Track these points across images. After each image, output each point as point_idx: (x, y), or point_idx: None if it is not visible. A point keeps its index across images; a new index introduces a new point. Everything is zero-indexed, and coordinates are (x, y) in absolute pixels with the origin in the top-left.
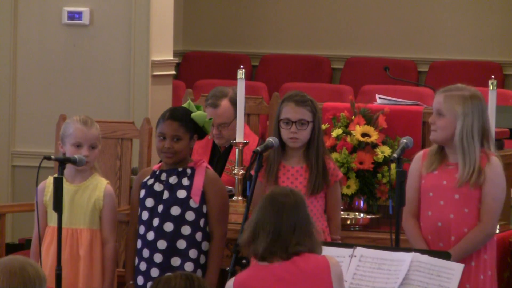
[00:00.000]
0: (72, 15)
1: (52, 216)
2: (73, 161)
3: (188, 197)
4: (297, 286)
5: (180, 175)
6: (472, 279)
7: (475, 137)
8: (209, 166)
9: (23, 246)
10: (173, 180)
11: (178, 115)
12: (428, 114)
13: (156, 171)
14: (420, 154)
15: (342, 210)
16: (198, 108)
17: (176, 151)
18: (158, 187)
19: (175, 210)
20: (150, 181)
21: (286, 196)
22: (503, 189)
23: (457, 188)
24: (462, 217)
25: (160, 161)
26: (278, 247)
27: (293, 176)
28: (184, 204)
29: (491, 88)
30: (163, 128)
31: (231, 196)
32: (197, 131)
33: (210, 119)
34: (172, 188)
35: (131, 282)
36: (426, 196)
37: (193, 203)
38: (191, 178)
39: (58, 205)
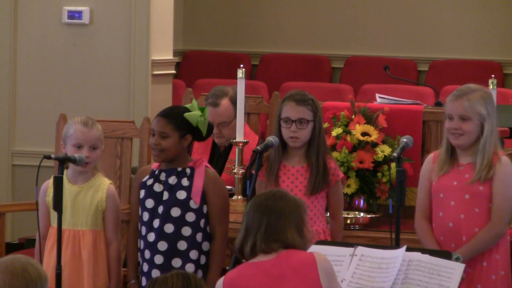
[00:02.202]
0: (72, 15)
1: (55, 217)
2: (73, 160)
3: (188, 198)
4: (285, 280)
5: (180, 175)
6: (484, 280)
7: (494, 135)
8: (208, 165)
9: (23, 245)
10: (172, 180)
11: (169, 113)
12: (428, 114)
13: (155, 170)
14: (430, 156)
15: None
16: (202, 110)
17: (163, 148)
18: (158, 187)
19: (175, 212)
20: (150, 181)
21: (280, 199)
22: None
23: (468, 187)
24: (473, 217)
25: None
26: (269, 246)
27: (294, 176)
28: (184, 205)
29: (491, 87)
30: (153, 125)
31: (231, 195)
32: (192, 131)
33: (205, 119)
34: (172, 189)
35: (133, 281)
36: (437, 197)
37: (193, 204)
38: (190, 178)
39: (58, 204)
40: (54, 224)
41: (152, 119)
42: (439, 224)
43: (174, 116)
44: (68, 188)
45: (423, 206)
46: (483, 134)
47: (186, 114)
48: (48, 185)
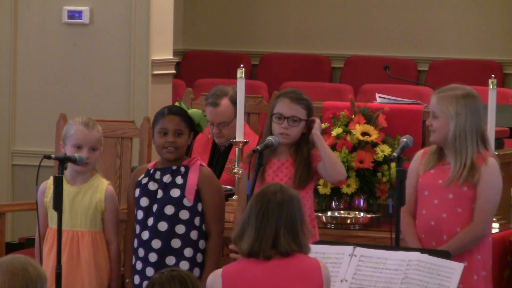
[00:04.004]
0: (72, 14)
1: (53, 218)
2: (73, 160)
3: (182, 196)
4: (289, 281)
5: (174, 174)
6: (465, 279)
7: (468, 137)
8: (203, 163)
9: (23, 245)
10: (167, 179)
11: (178, 111)
12: (428, 114)
13: (151, 169)
14: (420, 152)
15: (342, 209)
16: (188, 109)
17: (179, 145)
18: (152, 186)
19: (169, 209)
20: (145, 180)
21: (273, 194)
22: (497, 191)
23: (451, 186)
24: (455, 216)
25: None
26: (260, 243)
27: (279, 169)
28: (178, 203)
29: (491, 87)
30: (165, 123)
31: (231, 195)
32: (193, 128)
33: (205, 116)
34: (166, 187)
35: (127, 281)
36: (422, 194)
37: (187, 202)
38: (185, 176)
39: (58, 204)
40: (52, 225)
41: (152, 119)
42: (421, 221)
43: (183, 113)
44: (67, 189)
45: (409, 202)
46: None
47: (190, 112)
48: (46, 186)
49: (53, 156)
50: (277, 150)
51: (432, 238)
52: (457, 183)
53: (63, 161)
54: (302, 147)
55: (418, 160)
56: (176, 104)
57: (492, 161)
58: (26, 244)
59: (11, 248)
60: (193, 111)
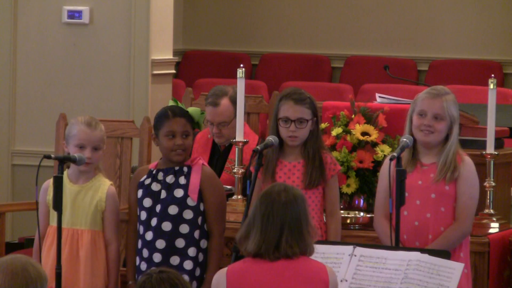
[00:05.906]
0: (72, 14)
1: (54, 216)
2: (73, 160)
3: (186, 195)
4: (295, 284)
5: (177, 174)
6: None
7: (457, 138)
8: (205, 163)
9: (23, 245)
10: (170, 179)
11: (181, 112)
12: None
13: (153, 170)
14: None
15: (342, 209)
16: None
17: (187, 147)
18: (155, 186)
19: (173, 210)
20: (147, 181)
21: (278, 195)
22: (477, 188)
23: (434, 186)
24: (439, 216)
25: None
26: (266, 245)
27: (290, 171)
28: (182, 203)
29: (491, 87)
30: (172, 126)
31: (231, 195)
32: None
33: (202, 113)
34: (170, 188)
35: (130, 282)
36: None
37: (191, 201)
38: (188, 176)
39: (57, 204)
40: (53, 223)
41: (152, 118)
42: (403, 223)
43: (187, 114)
44: (69, 187)
45: (384, 205)
46: (451, 136)
47: (190, 110)
48: (49, 184)
49: (53, 156)
50: (286, 151)
51: (416, 238)
52: (442, 182)
53: (63, 161)
54: (308, 146)
55: (392, 164)
56: (171, 102)
57: (468, 159)
58: (26, 244)
59: (11, 248)
60: (192, 110)
